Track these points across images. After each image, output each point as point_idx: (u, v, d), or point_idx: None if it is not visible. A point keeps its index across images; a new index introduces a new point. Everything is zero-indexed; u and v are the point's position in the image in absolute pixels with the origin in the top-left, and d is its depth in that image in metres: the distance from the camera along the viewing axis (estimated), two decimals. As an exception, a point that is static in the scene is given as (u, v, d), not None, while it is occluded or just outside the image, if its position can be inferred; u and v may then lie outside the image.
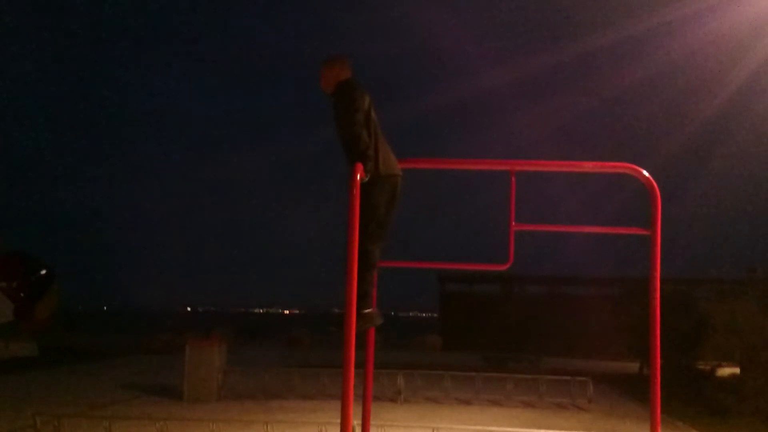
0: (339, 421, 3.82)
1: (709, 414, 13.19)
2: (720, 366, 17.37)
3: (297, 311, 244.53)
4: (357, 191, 4.00)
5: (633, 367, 22.48)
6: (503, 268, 5.07)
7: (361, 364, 4.58)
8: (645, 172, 4.86)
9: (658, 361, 4.67)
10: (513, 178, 5.02)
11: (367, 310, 4.43)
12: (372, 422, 5.07)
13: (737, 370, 16.23)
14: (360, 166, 4.15)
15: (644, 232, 4.84)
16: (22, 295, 20.24)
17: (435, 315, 42.25)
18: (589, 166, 5.14)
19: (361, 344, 4.34)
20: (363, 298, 4.39)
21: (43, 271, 21.39)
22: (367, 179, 4.27)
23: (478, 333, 32.45)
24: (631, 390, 16.93)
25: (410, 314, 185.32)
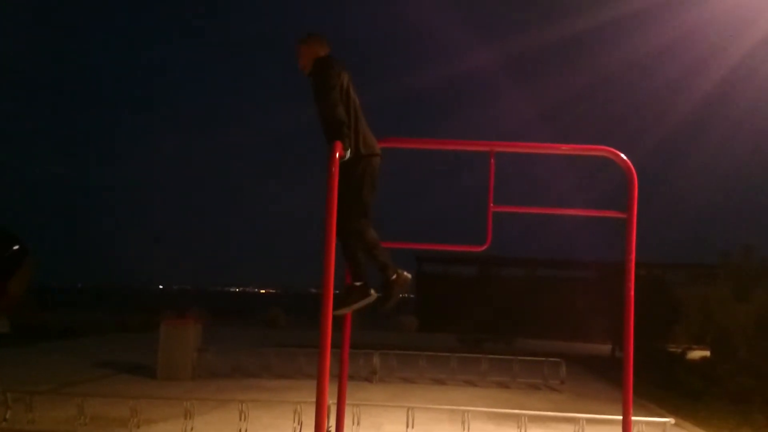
0: (315, 400, 3.81)
1: (680, 396, 13.39)
2: (691, 349, 17.63)
3: (273, 290, 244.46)
4: (336, 170, 3.95)
5: (606, 349, 22.77)
6: (480, 249, 5.07)
7: (337, 344, 4.57)
8: (622, 155, 4.84)
9: (632, 343, 4.70)
10: (492, 159, 5.01)
11: (392, 277, 4.57)
12: (347, 401, 5.06)
13: (708, 354, 16.50)
14: (339, 145, 4.08)
15: (621, 215, 4.84)
16: (-7, 271, 19.94)
17: (411, 296, 42.41)
18: (567, 149, 5.13)
19: (337, 325, 4.33)
20: (386, 269, 4.57)
21: (16, 247, 21.06)
22: (346, 158, 4.21)
23: (454, 314, 32.62)
24: (603, 372, 17.14)
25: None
